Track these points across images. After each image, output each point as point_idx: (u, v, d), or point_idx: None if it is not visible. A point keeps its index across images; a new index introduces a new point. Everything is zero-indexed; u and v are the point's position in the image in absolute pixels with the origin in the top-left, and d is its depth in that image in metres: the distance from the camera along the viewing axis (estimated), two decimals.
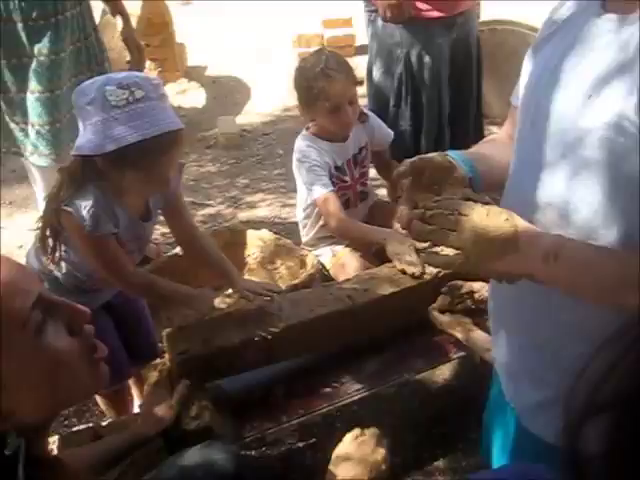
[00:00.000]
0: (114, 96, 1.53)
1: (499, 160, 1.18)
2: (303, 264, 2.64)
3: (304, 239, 2.60)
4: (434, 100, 2.91)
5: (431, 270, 2.02)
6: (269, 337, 1.81)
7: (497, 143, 1.28)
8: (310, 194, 2.39)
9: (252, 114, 4.83)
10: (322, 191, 2.33)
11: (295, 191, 3.61)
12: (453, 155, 1.12)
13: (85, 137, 1.58)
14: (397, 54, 2.84)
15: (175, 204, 1.89)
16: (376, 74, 2.96)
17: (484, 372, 1.96)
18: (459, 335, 1.79)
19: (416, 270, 2.02)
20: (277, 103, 4.88)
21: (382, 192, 3.18)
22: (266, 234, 2.83)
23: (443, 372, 1.98)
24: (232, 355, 1.80)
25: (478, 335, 1.75)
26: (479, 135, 3.26)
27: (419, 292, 1.98)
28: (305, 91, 2.35)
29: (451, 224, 0.95)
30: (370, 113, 2.64)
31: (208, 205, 3.65)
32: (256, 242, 2.83)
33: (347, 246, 2.49)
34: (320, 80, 2.29)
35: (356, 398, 1.89)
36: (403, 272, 2.04)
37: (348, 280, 2.06)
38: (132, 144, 1.52)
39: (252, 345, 1.81)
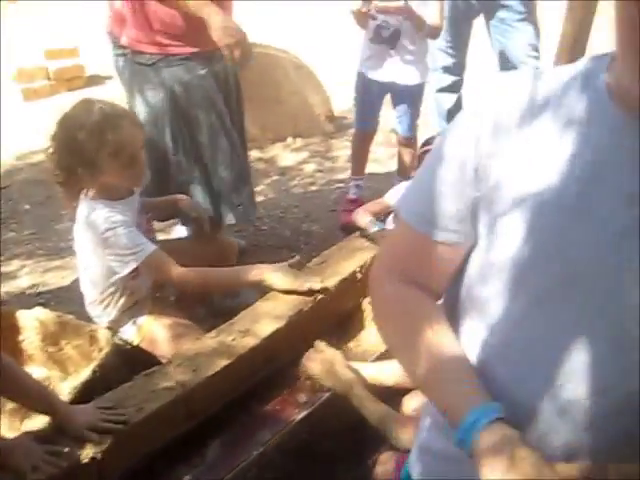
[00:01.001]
0: None
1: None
2: (94, 340, 2.30)
3: (106, 319, 2.25)
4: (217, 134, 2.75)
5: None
6: (98, 457, 1.52)
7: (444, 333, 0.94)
8: (131, 262, 2.05)
9: None
10: (150, 250, 2.03)
11: (55, 253, 3.22)
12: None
13: None
14: (161, 93, 2.63)
15: None
16: (139, 112, 2.71)
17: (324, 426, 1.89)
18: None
19: (321, 283, 2.04)
20: (7, 150, 4.30)
21: None
22: (42, 313, 2.42)
23: (291, 437, 1.85)
24: None
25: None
26: (245, 163, 3.18)
27: (250, 361, 1.83)
28: (86, 153, 1.96)
29: None
30: None
31: None
32: (31, 323, 2.41)
33: (150, 314, 2.23)
34: (105, 134, 1.95)
35: None
36: (311, 291, 2.03)
37: (170, 362, 1.81)
38: None
39: (80, 471, 1.50)
